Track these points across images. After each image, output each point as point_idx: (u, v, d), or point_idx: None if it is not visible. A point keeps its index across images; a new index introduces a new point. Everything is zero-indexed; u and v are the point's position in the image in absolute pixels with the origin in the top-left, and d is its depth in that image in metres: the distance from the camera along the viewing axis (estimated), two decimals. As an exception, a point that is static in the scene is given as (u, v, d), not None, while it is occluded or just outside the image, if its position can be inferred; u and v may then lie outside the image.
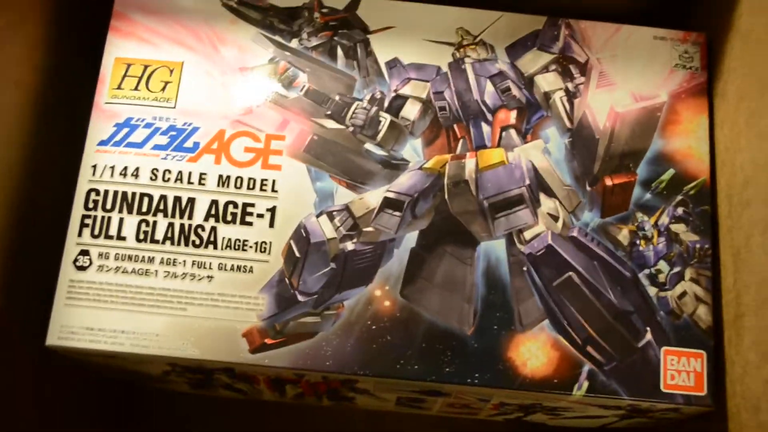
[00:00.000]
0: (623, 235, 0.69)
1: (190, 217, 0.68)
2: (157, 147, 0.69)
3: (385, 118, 0.70)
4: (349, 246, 0.68)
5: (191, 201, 0.68)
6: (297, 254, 0.67)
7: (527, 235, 0.68)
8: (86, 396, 0.85)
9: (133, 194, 0.68)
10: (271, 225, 0.68)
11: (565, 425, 0.82)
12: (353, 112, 0.70)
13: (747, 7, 0.68)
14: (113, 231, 0.67)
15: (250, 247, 0.67)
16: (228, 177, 0.68)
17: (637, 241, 0.69)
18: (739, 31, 0.69)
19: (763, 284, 0.61)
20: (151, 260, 0.67)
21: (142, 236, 0.67)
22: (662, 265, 0.68)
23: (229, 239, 0.67)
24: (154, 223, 0.68)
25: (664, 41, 0.73)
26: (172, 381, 0.77)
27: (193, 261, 0.67)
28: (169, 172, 0.69)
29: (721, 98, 0.71)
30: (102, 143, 0.69)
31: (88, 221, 0.67)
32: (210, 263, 0.67)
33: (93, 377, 0.81)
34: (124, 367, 0.72)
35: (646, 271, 0.68)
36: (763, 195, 0.62)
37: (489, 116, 0.71)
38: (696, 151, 0.71)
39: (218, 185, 0.68)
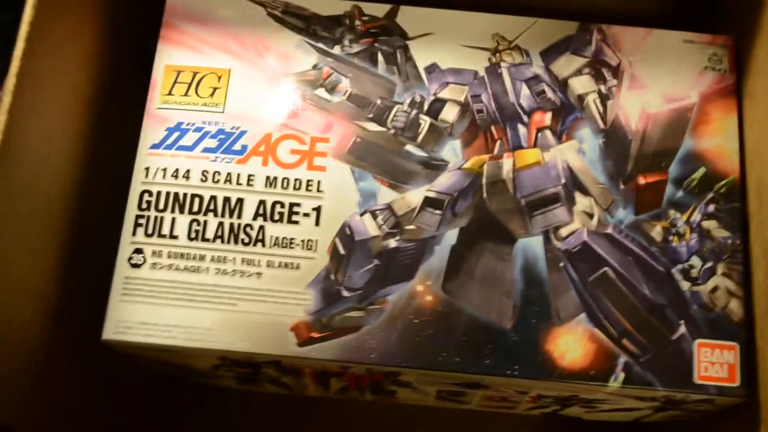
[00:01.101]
0: (656, 231, 0.71)
1: (239, 217, 0.71)
2: (206, 150, 0.72)
3: (425, 121, 0.73)
4: (392, 243, 0.70)
5: (240, 201, 0.71)
6: (342, 251, 0.70)
7: (563, 232, 0.71)
8: (137, 391, 0.88)
9: (185, 195, 0.71)
10: (317, 224, 0.70)
11: (600, 419, 0.84)
12: (394, 115, 0.73)
13: (774, 11, 0.70)
14: (166, 230, 0.70)
15: (297, 244, 0.70)
16: (275, 178, 0.71)
17: (670, 238, 0.71)
18: (765, 33, 0.71)
19: (794, 277, 0.63)
20: (202, 258, 0.70)
21: (193, 235, 0.70)
22: (695, 260, 0.71)
23: (277, 237, 0.70)
24: (205, 222, 0.70)
25: (692, 44, 0.75)
26: (220, 375, 0.80)
27: (243, 258, 0.70)
28: (219, 173, 0.71)
29: (750, 98, 0.73)
30: (154, 146, 0.72)
31: (142, 221, 0.70)
32: (258, 260, 0.70)
33: (144, 373, 0.84)
34: (175, 362, 0.75)
35: (679, 266, 0.70)
36: (793, 191, 0.64)
37: (525, 118, 0.74)
38: (726, 150, 0.73)
39: (266, 186, 0.71)
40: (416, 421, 0.97)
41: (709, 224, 0.71)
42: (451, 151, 0.73)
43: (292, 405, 0.97)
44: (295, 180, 0.71)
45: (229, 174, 0.71)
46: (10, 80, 0.63)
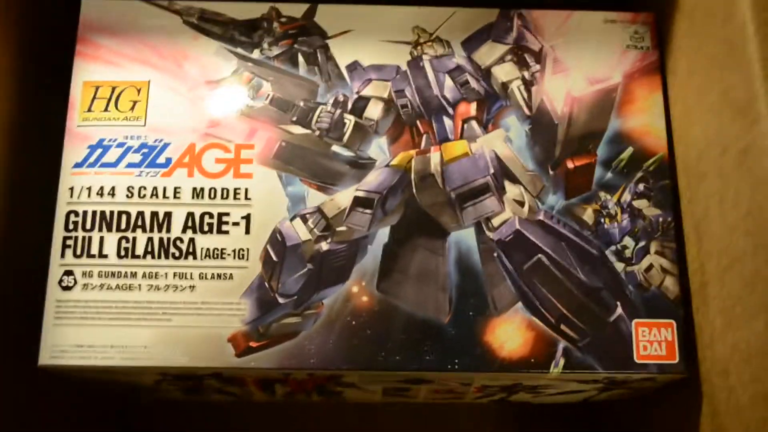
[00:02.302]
0: (588, 214, 0.71)
1: (168, 231, 0.70)
2: (130, 165, 0.71)
3: (350, 120, 0.73)
4: (324, 246, 0.70)
5: (168, 215, 0.70)
6: (274, 258, 0.69)
7: (495, 222, 0.71)
8: (82, 410, 0.87)
9: (111, 212, 0.70)
10: (247, 232, 0.70)
11: (549, 402, 0.84)
12: (318, 117, 0.73)
13: (690, -14, 0.70)
14: (95, 250, 0.69)
15: (229, 254, 0.69)
16: (202, 189, 0.71)
17: (602, 220, 0.71)
18: (684, 9, 0.71)
19: (723, 253, 0.63)
20: (133, 275, 0.69)
21: (123, 252, 0.69)
22: (627, 240, 0.71)
23: (208, 249, 0.69)
24: (134, 239, 0.70)
25: (614, 24, 0.75)
26: (164, 389, 0.79)
27: (175, 272, 0.69)
28: (144, 188, 0.71)
29: (673, 75, 0.73)
30: (77, 165, 0.71)
31: (70, 242, 0.69)
32: (191, 273, 0.69)
33: (88, 391, 0.83)
34: (117, 380, 0.74)
35: (613, 247, 0.71)
36: (715, 168, 0.64)
37: (450, 110, 0.73)
38: (653, 128, 0.73)
39: (193, 197, 0.70)
40: (372, 416, 0.97)
41: (640, 203, 0.71)
42: (378, 148, 0.72)
43: (241, 410, 0.96)
44: (223, 189, 0.71)
45: (155, 188, 0.71)
46: None
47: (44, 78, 0.78)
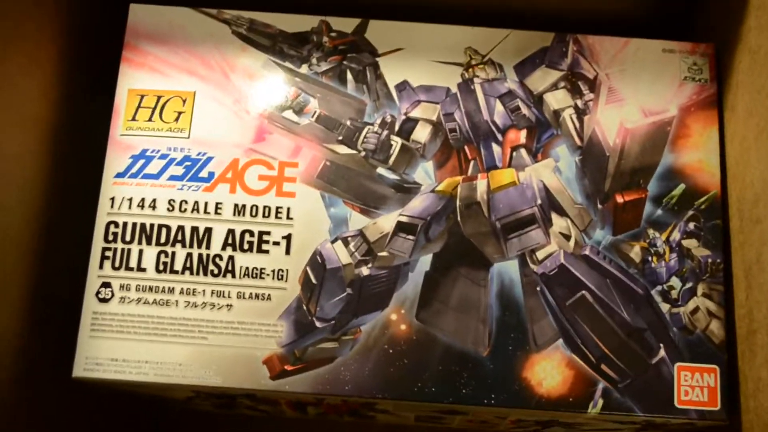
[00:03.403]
0: (635, 252, 0.69)
1: (207, 247, 0.69)
2: (173, 178, 0.70)
3: (396, 142, 0.71)
4: (365, 271, 0.69)
5: (208, 231, 0.69)
6: (314, 281, 0.68)
7: (540, 255, 0.69)
8: (114, 418, 0.87)
9: (152, 225, 0.69)
10: (287, 252, 0.69)
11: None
12: (364, 137, 0.71)
13: (756, 23, 0.68)
14: (133, 263, 0.69)
15: (267, 275, 0.68)
16: (243, 206, 0.70)
17: (649, 258, 0.69)
18: (748, 46, 0.69)
19: (775, 302, 0.62)
20: (171, 290, 0.68)
21: (161, 267, 0.69)
22: (674, 281, 0.69)
23: (247, 268, 0.69)
24: (173, 253, 0.69)
25: (672, 54, 0.73)
26: (196, 404, 0.79)
27: (212, 290, 0.68)
28: (186, 202, 0.70)
29: (731, 112, 0.71)
30: (119, 175, 0.70)
31: (109, 253, 0.69)
32: (229, 292, 0.68)
33: (120, 399, 0.83)
34: (149, 394, 0.74)
35: (659, 287, 0.69)
36: (773, 215, 0.63)
37: (499, 136, 0.72)
38: (707, 165, 0.71)
39: (234, 214, 0.69)
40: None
41: (689, 243, 0.70)
42: (424, 173, 0.71)
43: (273, 424, 0.95)
44: (264, 207, 0.70)
45: (196, 202, 0.70)
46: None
47: (90, 84, 0.77)
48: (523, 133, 0.72)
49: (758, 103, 0.66)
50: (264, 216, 0.69)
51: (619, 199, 0.70)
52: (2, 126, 0.66)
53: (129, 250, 0.69)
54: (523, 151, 0.71)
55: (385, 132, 0.71)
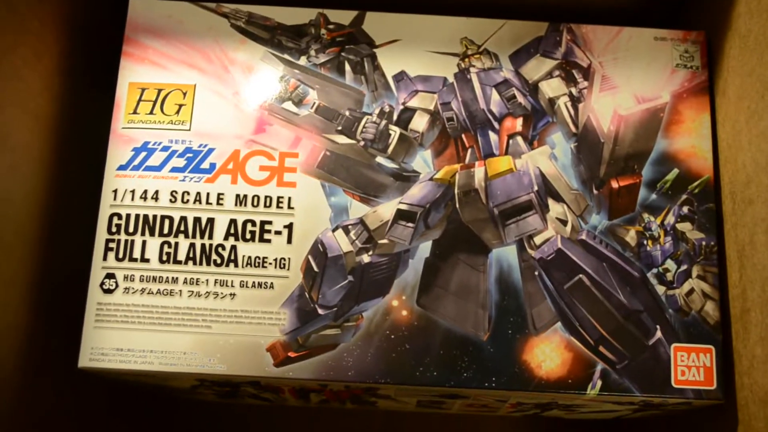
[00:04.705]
0: (631, 236, 0.71)
1: (210, 237, 0.70)
2: (174, 169, 0.71)
3: (395, 131, 0.72)
4: (366, 258, 0.70)
5: (210, 221, 0.70)
6: (315, 269, 0.69)
7: (537, 240, 0.70)
8: (117, 408, 0.88)
9: (154, 217, 0.70)
10: (289, 241, 0.70)
11: (581, 419, 0.84)
12: (363, 127, 0.72)
13: (745, 9, 0.69)
14: (137, 253, 0.70)
15: (270, 263, 0.69)
16: (245, 196, 0.71)
17: (645, 242, 0.71)
18: (738, 32, 0.70)
19: (768, 281, 0.63)
20: (174, 280, 0.69)
21: (165, 257, 0.70)
22: (669, 263, 0.70)
23: (249, 257, 0.70)
24: (176, 244, 0.70)
25: (664, 41, 0.74)
26: (200, 393, 0.80)
27: (216, 280, 0.69)
28: (188, 193, 0.71)
29: (722, 97, 0.72)
30: (121, 168, 0.71)
31: (112, 245, 0.70)
32: (232, 281, 0.69)
33: (123, 389, 0.83)
34: (154, 383, 0.75)
35: (654, 270, 0.70)
36: (765, 194, 0.64)
37: (496, 125, 0.73)
38: (699, 150, 0.72)
39: (236, 204, 0.70)
40: (401, 424, 0.97)
41: (684, 226, 0.71)
42: (422, 161, 0.72)
43: (274, 413, 0.96)
44: (266, 197, 0.71)
45: (198, 193, 0.71)
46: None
47: (91, 78, 0.78)
48: (519, 121, 0.73)
49: (748, 86, 0.68)
50: (265, 206, 0.70)
51: (614, 185, 0.71)
52: (8, 119, 0.67)
53: (132, 242, 0.70)
54: (519, 138, 0.73)
55: (384, 122, 0.72)
